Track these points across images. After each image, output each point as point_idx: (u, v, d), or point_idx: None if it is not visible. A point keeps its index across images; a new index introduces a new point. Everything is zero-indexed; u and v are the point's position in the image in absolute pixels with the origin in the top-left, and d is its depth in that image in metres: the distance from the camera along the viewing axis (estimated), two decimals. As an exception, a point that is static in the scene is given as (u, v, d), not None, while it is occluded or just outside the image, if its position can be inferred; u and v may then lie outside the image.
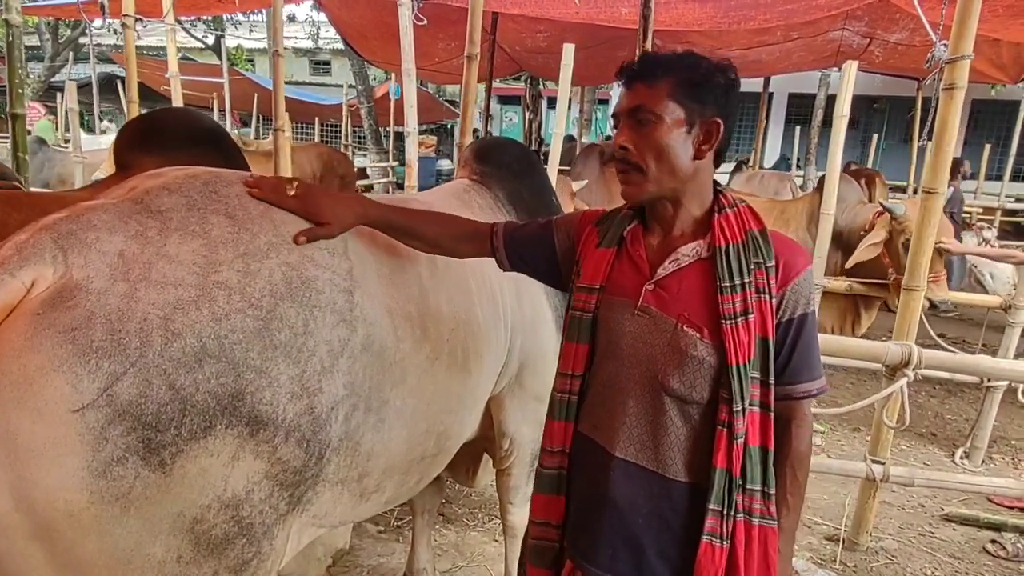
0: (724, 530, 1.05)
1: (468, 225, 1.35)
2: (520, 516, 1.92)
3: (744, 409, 1.04)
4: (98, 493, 0.83)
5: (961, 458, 3.65)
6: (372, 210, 1.26)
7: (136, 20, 3.42)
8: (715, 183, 1.16)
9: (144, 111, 2.55)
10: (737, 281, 1.06)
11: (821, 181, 4.01)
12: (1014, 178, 10.11)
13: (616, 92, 14.35)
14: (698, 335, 1.06)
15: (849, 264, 3.62)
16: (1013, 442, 3.91)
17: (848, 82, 3.34)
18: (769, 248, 1.09)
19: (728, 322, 1.04)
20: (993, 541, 2.82)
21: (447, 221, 1.34)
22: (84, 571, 0.87)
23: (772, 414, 1.08)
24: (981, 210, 8.69)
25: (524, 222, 1.36)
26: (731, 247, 1.08)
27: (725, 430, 1.05)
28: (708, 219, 1.12)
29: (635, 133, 1.08)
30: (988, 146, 9.72)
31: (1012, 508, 3.11)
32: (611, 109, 14.56)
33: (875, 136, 10.39)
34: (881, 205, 3.69)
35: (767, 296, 1.06)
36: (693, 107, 1.08)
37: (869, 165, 9.44)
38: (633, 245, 1.16)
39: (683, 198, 1.12)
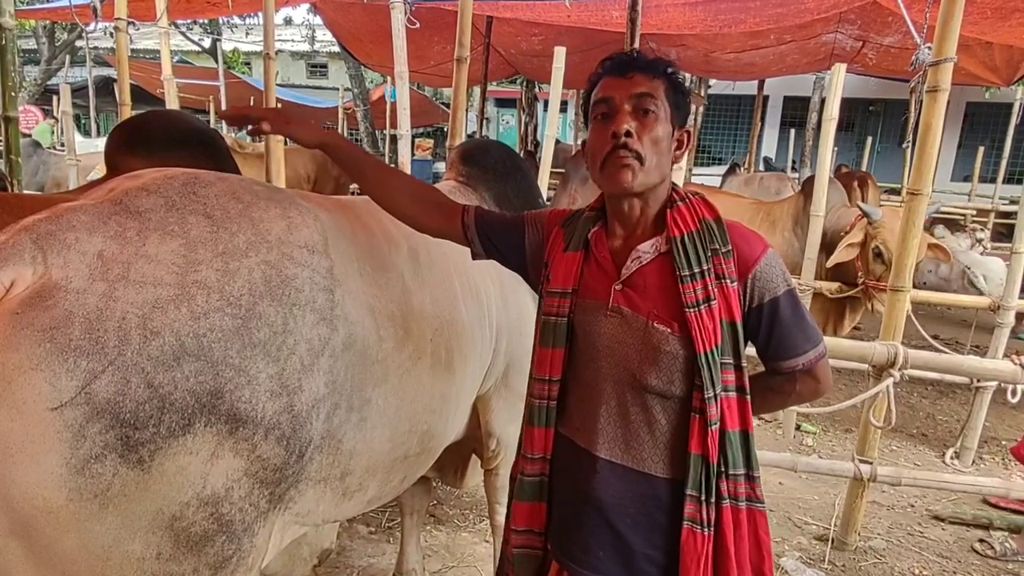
0: (705, 516, 1.06)
1: (439, 196, 1.32)
2: (508, 516, 1.93)
3: (716, 395, 1.06)
4: (76, 490, 0.84)
5: (951, 458, 3.66)
6: (342, 141, 1.26)
7: (129, 23, 3.44)
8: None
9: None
10: (696, 269, 1.07)
11: (806, 183, 4.02)
12: (1007, 180, 10.14)
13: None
14: (669, 330, 1.08)
15: (829, 264, 3.64)
16: (1003, 442, 3.92)
17: (837, 85, 3.37)
18: (724, 234, 1.11)
19: (692, 310, 1.06)
20: (981, 540, 2.83)
21: (417, 184, 1.33)
22: (63, 568, 0.88)
23: (749, 397, 1.10)
24: (975, 212, 8.73)
25: (495, 211, 1.37)
26: (686, 237, 1.10)
27: (698, 416, 1.06)
28: (663, 215, 1.14)
29: (637, 121, 1.08)
30: (982, 148, 9.77)
31: (1008, 509, 3.11)
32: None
33: (870, 139, 10.44)
34: (858, 207, 3.68)
35: (728, 281, 1.08)
36: (676, 113, 1.12)
37: (863, 168, 9.48)
38: (598, 247, 1.18)
39: (651, 198, 1.14)
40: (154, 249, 0.94)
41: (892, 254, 3.38)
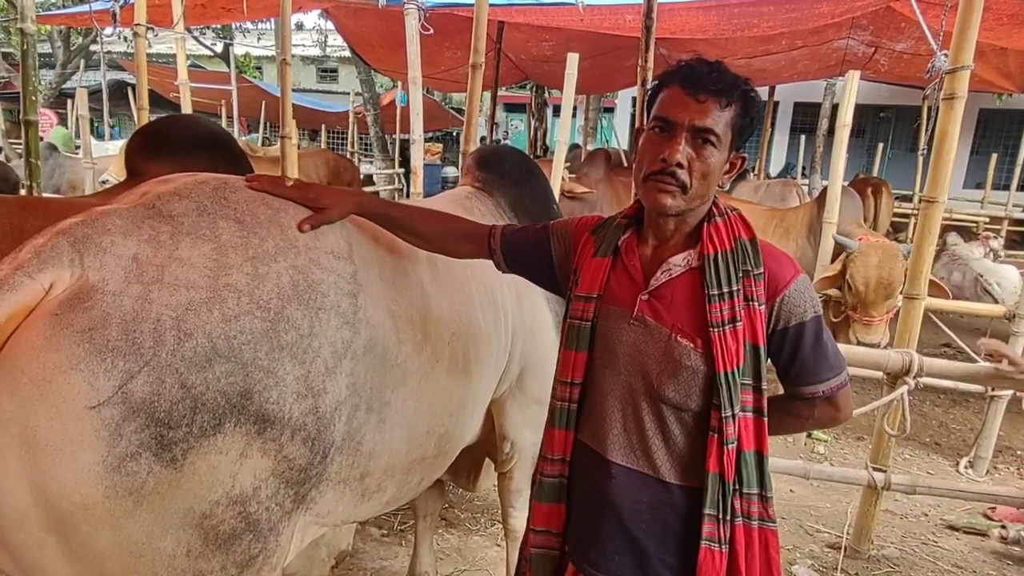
0: (722, 534, 1.07)
1: (467, 225, 1.36)
2: (522, 520, 1.93)
3: (734, 415, 1.06)
4: (112, 488, 0.86)
5: (965, 468, 3.63)
6: (369, 202, 1.29)
7: (147, 28, 3.49)
8: None
9: (154, 118, 2.60)
10: (725, 289, 1.07)
11: (823, 194, 4.00)
12: (1021, 187, 10.05)
13: (624, 99, 14.33)
14: (692, 345, 1.08)
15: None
16: (1018, 452, 3.89)
17: (850, 91, 3.37)
18: (758, 256, 1.10)
19: (716, 330, 1.06)
20: (1003, 526, 2.86)
21: (446, 219, 1.36)
22: (98, 564, 0.90)
23: (766, 419, 1.10)
24: (988, 219, 8.66)
25: (522, 225, 1.38)
26: (719, 255, 1.09)
27: (716, 435, 1.07)
28: (699, 228, 1.14)
29: (693, 149, 1.06)
30: (995, 155, 9.70)
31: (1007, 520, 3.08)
32: (617, 117, 14.56)
33: (881, 145, 10.38)
34: (834, 238, 3.58)
35: (756, 304, 1.08)
36: (737, 140, 1.10)
37: (875, 174, 9.41)
38: (628, 255, 1.18)
39: (688, 216, 1.14)
40: (187, 253, 0.97)
41: (859, 289, 3.37)
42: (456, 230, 1.34)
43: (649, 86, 1.17)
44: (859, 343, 3.40)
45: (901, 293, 3.27)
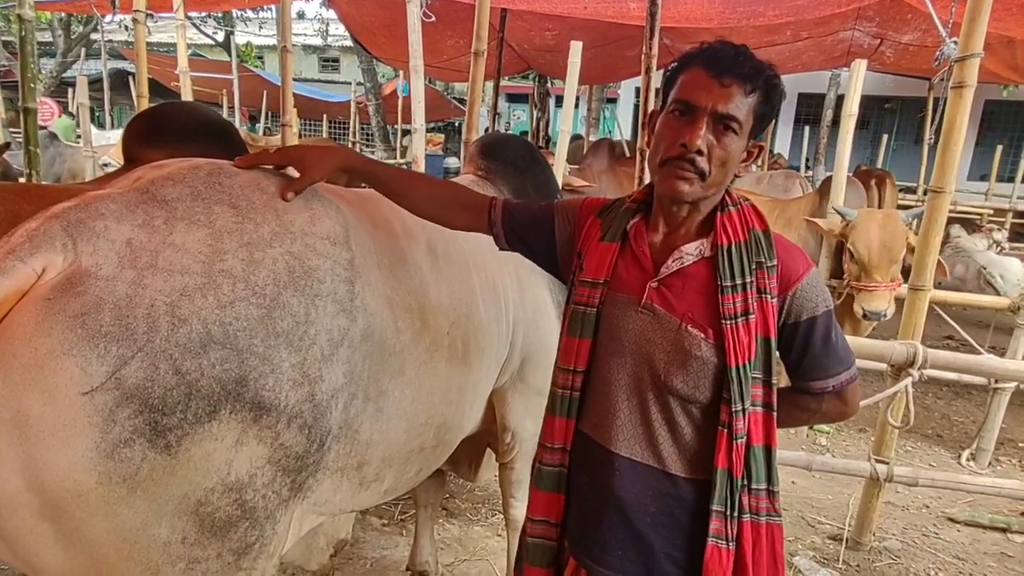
0: (729, 531, 1.06)
1: (465, 193, 1.31)
2: (523, 510, 1.92)
3: (744, 409, 1.04)
4: (106, 474, 0.85)
5: (967, 460, 3.63)
6: (356, 160, 1.24)
7: (147, 15, 3.46)
8: None
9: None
10: (738, 281, 1.05)
11: (823, 185, 3.98)
12: (1026, 180, 10.01)
13: (627, 89, 14.23)
14: (702, 335, 1.06)
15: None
16: (1020, 444, 3.88)
17: (856, 81, 3.33)
18: (771, 248, 1.08)
19: (728, 322, 1.04)
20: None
21: (443, 186, 1.31)
22: (92, 550, 0.89)
23: (775, 413, 1.08)
24: (992, 212, 8.62)
25: (526, 201, 1.34)
26: (733, 246, 1.07)
27: (725, 430, 1.05)
28: (712, 217, 1.11)
29: (714, 135, 1.02)
30: (1000, 147, 9.63)
31: None
32: (620, 107, 14.49)
33: (885, 136, 10.32)
34: (833, 208, 3.55)
35: (768, 296, 1.06)
36: (757, 128, 1.07)
37: (879, 166, 9.36)
38: (637, 241, 1.14)
39: (702, 204, 1.11)
40: (181, 238, 0.95)
41: (861, 254, 3.34)
42: (454, 198, 1.29)
43: (669, 66, 1.11)
44: (864, 314, 3.35)
45: (904, 258, 3.23)
